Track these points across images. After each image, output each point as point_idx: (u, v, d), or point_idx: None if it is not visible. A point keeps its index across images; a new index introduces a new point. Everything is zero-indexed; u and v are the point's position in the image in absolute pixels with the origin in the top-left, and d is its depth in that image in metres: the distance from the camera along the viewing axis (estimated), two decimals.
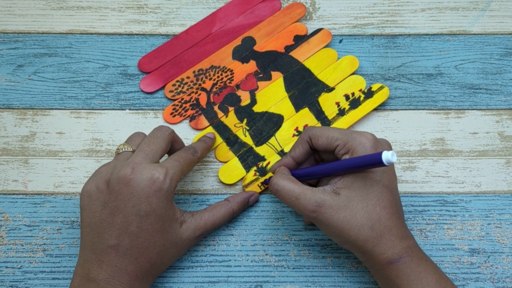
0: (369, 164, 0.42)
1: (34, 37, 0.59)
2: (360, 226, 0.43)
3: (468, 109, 0.56)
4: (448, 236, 0.51)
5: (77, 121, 0.56)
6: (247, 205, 0.51)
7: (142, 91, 0.57)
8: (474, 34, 0.59)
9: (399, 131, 0.55)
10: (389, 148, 0.47)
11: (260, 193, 0.53)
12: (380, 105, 0.56)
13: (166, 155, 0.50)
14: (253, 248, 0.51)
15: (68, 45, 0.59)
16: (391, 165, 0.46)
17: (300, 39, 0.58)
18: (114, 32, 0.60)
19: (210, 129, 0.55)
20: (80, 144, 0.55)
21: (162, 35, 0.59)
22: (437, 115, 0.56)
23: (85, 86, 0.57)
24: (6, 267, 0.50)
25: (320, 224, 0.44)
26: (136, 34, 0.60)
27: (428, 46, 0.59)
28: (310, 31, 0.59)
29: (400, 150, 0.55)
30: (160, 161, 0.47)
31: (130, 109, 0.56)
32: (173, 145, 0.49)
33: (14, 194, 0.53)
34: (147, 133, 0.49)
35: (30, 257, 0.50)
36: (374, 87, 0.55)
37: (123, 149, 0.47)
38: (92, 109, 0.56)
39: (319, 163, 0.49)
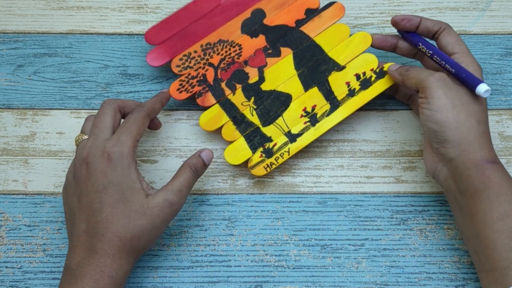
0: (467, 79, 0.47)
1: (34, 37, 0.59)
2: (470, 114, 0.45)
3: None
4: (448, 236, 0.51)
5: (77, 121, 0.56)
6: (204, 162, 0.49)
7: (148, 64, 0.55)
8: (474, 34, 0.59)
9: (399, 131, 0.55)
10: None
11: (257, 193, 0.53)
12: (380, 105, 0.56)
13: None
14: (253, 248, 0.51)
15: (68, 45, 0.59)
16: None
17: (311, 13, 0.55)
18: (114, 32, 0.60)
19: (217, 107, 0.54)
20: None
21: None
22: None
23: (85, 86, 0.57)
24: (6, 267, 0.50)
25: (440, 90, 0.46)
26: (136, 34, 0.60)
27: None
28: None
29: (400, 150, 0.55)
30: None
31: None
32: (124, 111, 0.50)
33: (14, 194, 0.53)
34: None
35: (30, 257, 0.50)
36: (386, 66, 0.53)
37: (80, 139, 0.48)
38: (92, 109, 0.56)
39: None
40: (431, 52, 0.50)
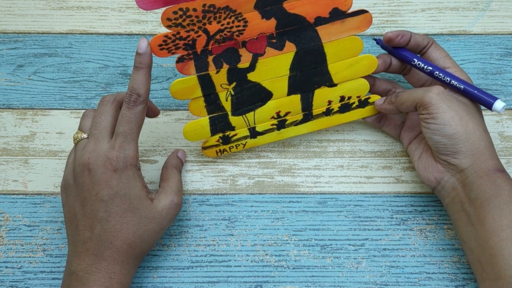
0: (478, 96, 0.47)
1: (34, 37, 0.59)
2: (477, 124, 0.46)
3: None
4: (448, 236, 0.51)
5: (77, 121, 0.56)
6: (181, 161, 0.53)
7: (137, 4, 0.45)
8: (474, 34, 0.59)
9: None
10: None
11: (257, 193, 0.53)
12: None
13: None
14: (253, 248, 0.51)
15: (68, 45, 0.59)
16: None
17: (337, 15, 0.49)
18: (114, 32, 0.60)
19: (194, 78, 0.49)
20: None
21: None
22: None
23: (85, 86, 0.57)
24: (6, 267, 0.50)
25: (443, 104, 0.46)
26: (136, 34, 0.60)
27: None
28: None
29: (400, 150, 0.55)
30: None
31: None
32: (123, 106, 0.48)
33: (14, 194, 0.53)
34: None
35: (30, 257, 0.50)
36: (373, 98, 0.53)
37: (79, 138, 0.47)
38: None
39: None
40: (430, 68, 0.49)
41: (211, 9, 0.47)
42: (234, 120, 0.51)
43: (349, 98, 0.53)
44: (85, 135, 0.47)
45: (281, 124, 0.53)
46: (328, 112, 0.53)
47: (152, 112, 0.51)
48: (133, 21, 0.60)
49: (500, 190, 0.44)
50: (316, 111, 0.53)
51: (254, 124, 0.52)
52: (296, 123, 0.53)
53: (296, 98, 0.52)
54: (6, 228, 0.51)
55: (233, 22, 0.48)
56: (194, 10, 0.46)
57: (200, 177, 0.54)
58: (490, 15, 0.60)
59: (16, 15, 0.60)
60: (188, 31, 0.47)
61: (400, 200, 0.53)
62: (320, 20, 0.49)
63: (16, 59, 0.58)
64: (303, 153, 0.54)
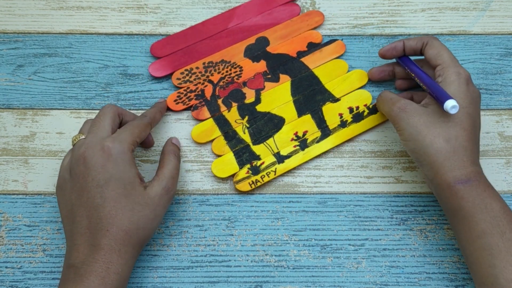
0: (437, 95, 0.46)
1: (34, 37, 0.59)
2: (436, 135, 0.45)
3: None
4: (448, 236, 0.51)
5: (77, 121, 0.56)
6: (178, 147, 0.52)
7: (150, 75, 0.57)
8: (474, 34, 0.59)
9: None
10: (478, 96, 0.48)
11: (257, 193, 0.53)
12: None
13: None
14: (253, 248, 0.51)
15: (68, 45, 0.59)
16: (479, 99, 0.49)
17: (313, 47, 0.58)
18: (114, 32, 0.60)
19: (210, 121, 0.55)
20: None
21: (162, 35, 0.59)
22: None
23: (85, 86, 0.57)
24: (6, 267, 0.50)
25: (402, 122, 0.47)
26: (136, 34, 0.60)
27: None
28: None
29: (400, 150, 0.55)
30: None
31: (130, 109, 0.56)
32: (123, 118, 0.50)
33: (14, 194, 0.53)
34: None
35: (30, 257, 0.50)
36: None
37: (77, 139, 0.48)
38: (92, 109, 0.56)
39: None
40: (413, 74, 0.51)
41: (210, 64, 0.57)
42: (257, 149, 0.54)
43: (357, 108, 0.55)
44: (83, 136, 0.48)
45: (303, 143, 0.54)
46: (343, 124, 0.55)
47: (148, 142, 0.53)
48: (133, 21, 0.60)
49: (463, 202, 0.44)
50: (331, 125, 0.55)
51: (278, 149, 0.54)
52: (317, 140, 0.54)
53: (308, 117, 0.55)
54: (6, 228, 0.51)
55: (230, 69, 0.57)
56: (197, 68, 0.57)
57: (200, 177, 0.54)
58: (490, 15, 0.60)
59: (16, 15, 0.60)
60: (196, 85, 0.56)
61: (400, 200, 0.53)
62: (301, 53, 0.58)
63: (16, 59, 0.58)
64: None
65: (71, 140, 0.49)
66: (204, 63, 0.57)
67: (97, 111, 0.56)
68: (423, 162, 0.46)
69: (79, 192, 0.45)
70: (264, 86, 0.56)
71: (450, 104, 0.45)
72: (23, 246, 0.51)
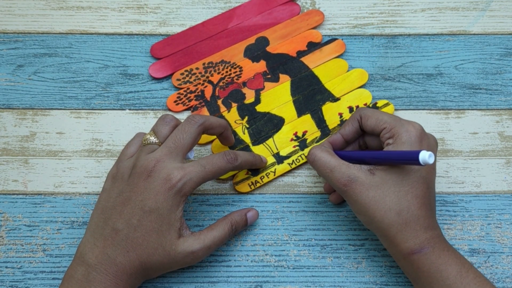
0: (406, 160, 0.42)
1: (34, 37, 0.59)
2: (387, 209, 0.43)
3: (468, 109, 0.56)
4: (448, 236, 0.51)
5: (77, 121, 0.56)
6: (246, 222, 0.50)
7: (150, 76, 0.57)
8: (474, 34, 0.59)
9: None
10: (435, 145, 0.46)
11: (257, 193, 0.53)
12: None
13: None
14: (253, 248, 0.51)
15: (68, 45, 0.59)
16: (436, 147, 0.46)
17: (313, 46, 0.58)
18: (114, 32, 0.60)
19: None
20: (80, 144, 0.55)
21: (162, 35, 0.59)
22: (437, 115, 0.56)
23: (85, 86, 0.57)
24: (6, 267, 0.50)
25: (349, 199, 0.44)
26: (136, 34, 0.60)
27: (428, 46, 0.59)
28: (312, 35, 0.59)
29: None
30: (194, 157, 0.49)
31: (130, 109, 0.56)
32: (209, 132, 0.48)
33: (14, 194, 0.53)
34: (147, 130, 0.48)
35: (30, 257, 0.50)
36: (380, 103, 0.55)
37: (149, 141, 0.47)
38: (92, 109, 0.56)
39: (363, 149, 0.50)
40: (361, 159, 0.46)
41: (210, 65, 0.57)
42: (256, 149, 0.54)
43: (357, 107, 0.55)
44: (157, 140, 0.47)
45: (303, 143, 0.54)
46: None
47: (214, 131, 0.50)
48: (133, 21, 0.60)
49: (419, 272, 0.43)
50: (331, 125, 0.55)
51: (277, 149, 0.54)
52: (317, 140, 0.54)
53: (307, 117, 0.55)
54: (6, 228, 0.51)
55: (230, 70, 0.57)
56: (197, 68, 0.57)
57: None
58: (490, 15, 0.60)
59: (16, 15, 0.60)
60: (195, 85, 0.56)
61: None
62: (301, 53, 0.58)
63: (16, 59, 0.58)
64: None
65: (143, 137, 0.47)
66: (204, 64, 0.57)
67: (97, 111, 0.56)
68: (376, 233, 0.45)
69: (125, 201, 0.44)
70: (264, 86, 0.57)
71: (426, 156, 0.40)
72: (23, 246, 0.51)
